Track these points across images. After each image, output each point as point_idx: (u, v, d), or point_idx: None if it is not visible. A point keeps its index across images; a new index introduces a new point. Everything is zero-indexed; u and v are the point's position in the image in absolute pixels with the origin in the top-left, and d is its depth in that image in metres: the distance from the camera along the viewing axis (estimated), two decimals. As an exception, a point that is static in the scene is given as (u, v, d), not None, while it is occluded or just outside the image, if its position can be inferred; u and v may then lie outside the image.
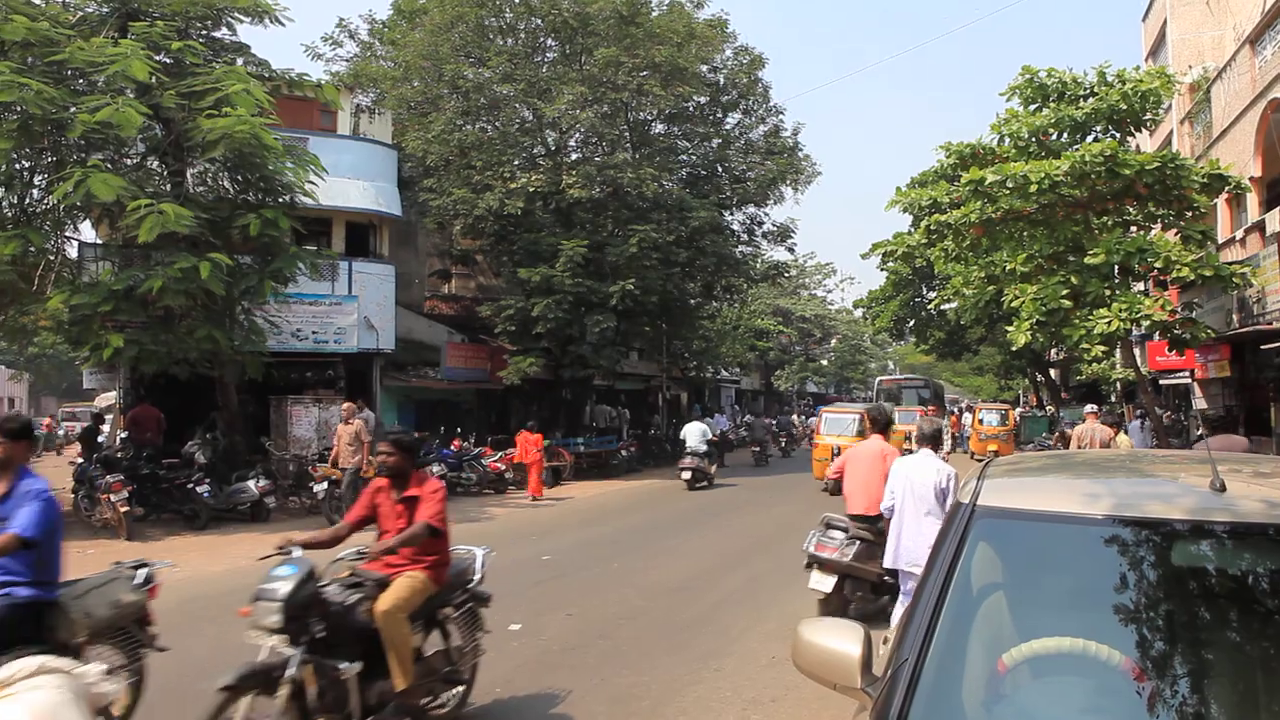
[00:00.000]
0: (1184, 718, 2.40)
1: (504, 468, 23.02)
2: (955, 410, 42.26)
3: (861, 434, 18.26)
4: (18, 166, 15.59)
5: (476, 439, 24.99)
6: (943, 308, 34.28)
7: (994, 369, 51.40)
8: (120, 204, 14.90)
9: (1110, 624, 2.61)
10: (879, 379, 44.14)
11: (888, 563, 7.43)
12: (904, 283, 40.18)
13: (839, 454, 16.24)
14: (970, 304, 22.80)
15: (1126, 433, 18.12)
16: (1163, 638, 2.61)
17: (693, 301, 31.31)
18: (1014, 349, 23.88)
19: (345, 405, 18.48)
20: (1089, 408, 17.08)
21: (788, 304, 59.78)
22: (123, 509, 14.96)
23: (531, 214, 26.19)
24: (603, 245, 26.45)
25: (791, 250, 34.76)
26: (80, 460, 18.22)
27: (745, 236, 32.41)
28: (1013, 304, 18.16)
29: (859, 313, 51.39)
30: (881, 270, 39.56)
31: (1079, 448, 13.90)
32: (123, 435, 19.98)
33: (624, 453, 28.27)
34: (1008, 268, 19.51)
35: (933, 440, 8.37)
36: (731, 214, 31.56)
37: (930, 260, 24.76)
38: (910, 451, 8.68)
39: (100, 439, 20.33)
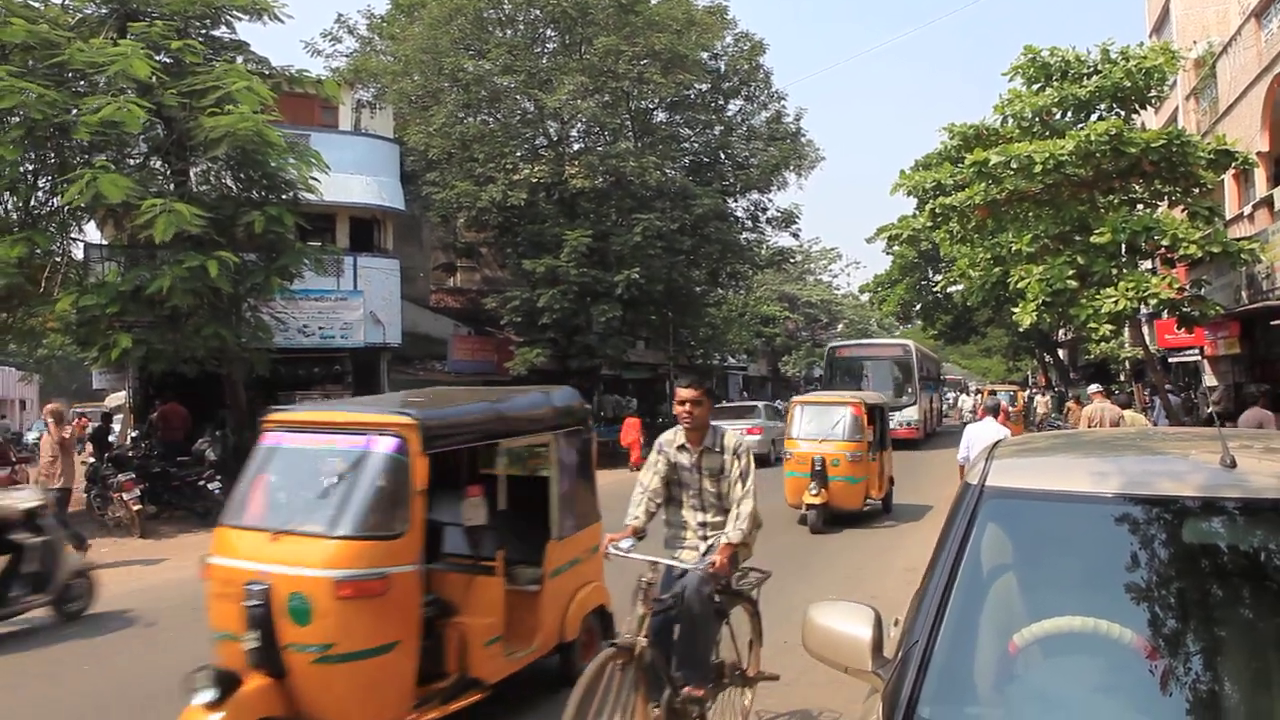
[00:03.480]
0: (1197, 696, 2.39)
1: None
2: (957, 392, 41.58)
3: (858, 440, 15.13)
4: (22, 170, 15.64)
5: None
6: (949, 290, 33.89)
7: (1002, 350, 51.30)
8: (127, 204, 14.94)
9: (1122, 603, 2.60)
10: (831, 346, 33.42)
11: None
12: (910, 266, 40.30)
13: (822, 469, 14.39)
14: (976, 286, 22.59)
15: (1144, 412, 17.96)
16: (1174, 615, 2.59)
17: (698, 289, 31.30)
18: (1021, 330, 24.07)
19: (49, 407, 14.59)
20: (1093, 387, 16.71)
21: (793, 290, 59.54)
22: (135, 507, 15.05)
23: (535, 205, 26.18)
24: (607, 235, 26.41)
25: (796, 236, 34.85)
26: (92, 460, 18.28)
27: (749, 223, 32.46)
28: (1019, 285, 18.03)
29: (865, 297, 50.92)
30: (887, 254, 39.82)
31: (1088, 427, 13.79)
32: (134, 434, 20.08)
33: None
34: (1013, 249, 19.35)
35: (994, 411, 12.12)
36: (735, 201, 31.62)
37: (936, 243, 24.64)
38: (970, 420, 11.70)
39: (111, 438, 20.16)
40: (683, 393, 5.71)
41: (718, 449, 5.75)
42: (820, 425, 15.05)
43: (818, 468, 14.36)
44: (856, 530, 14.62)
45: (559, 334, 27.00)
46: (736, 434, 5.90)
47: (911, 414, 27.60)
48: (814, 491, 14.24)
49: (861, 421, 15.04)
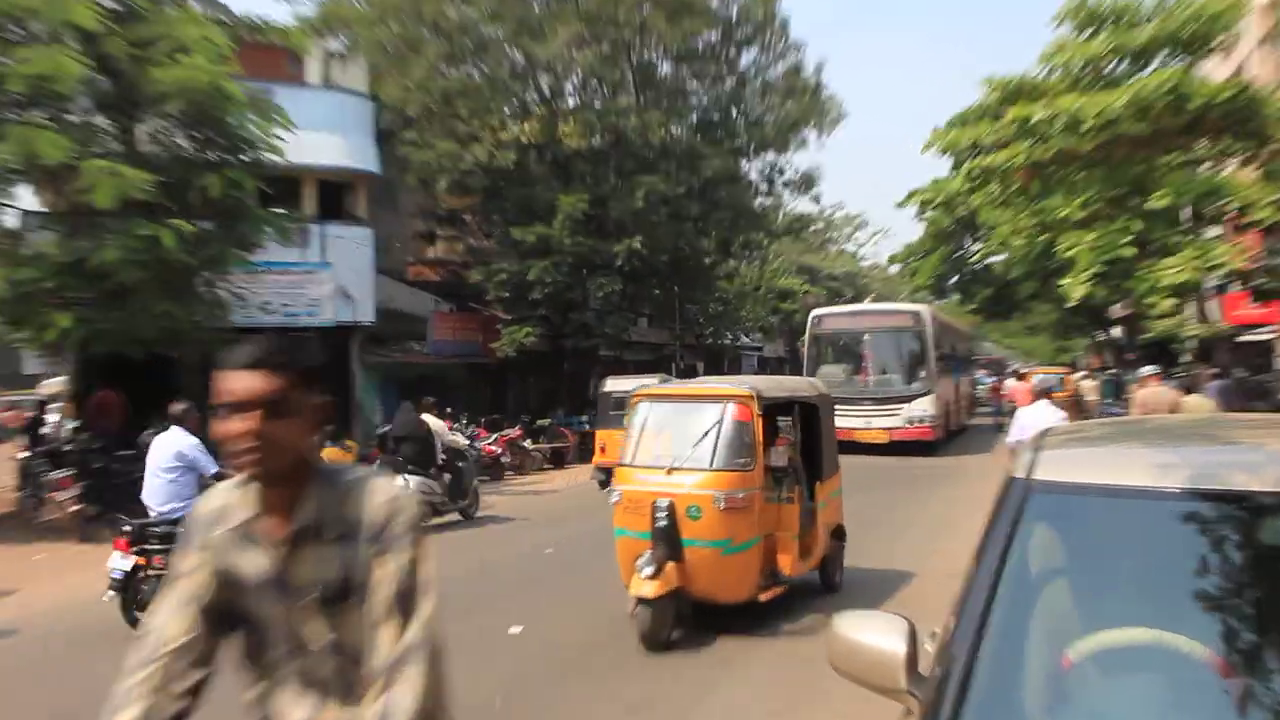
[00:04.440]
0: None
1: (499, 450, 22.86)
2: (997, 377, 40.58)
3: (741, 468, 9.12)
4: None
5: (469, 419, 24.58)
6: (988, 261, 33.47)
7: (1048, 328, 50.85)
8: (67, 166, 14.74)
9: (1191, 612, 2.51)
10: (816, 314, 28.12)
11: None
12: (945, 234, 39.75)
13: (669, 524, 8.80)
14: (1019, 256, 22.92)
15: (1205, 394, 17.92)
16: (1252, 627, 2.49)
17: (707, 260, 31.28)
18: (1070, 305, 23.77)
19: None
20: (1146, 369, 16.48)
21: (814, 261, 59.17)
22: (72, 508, 14.64)
23: (525, 167, 26.26)
24: (605, 200, 26.38)
25: (816, 201, 35.11)
26: (25, 454, 17.89)
27: (764, 187, 32.42)
28: (1068, 254, 18.20)
29: (895, 269, 50.25)
30: (919, 220, 39.02)
31: (1143, 414, 13.72)
32: (73, 425, 19.73)
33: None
34: (1061, 214, 19.51)
35: (1044, 394, 13.04)
36: (749, 162, 31.63)
37: (973, 208, 24.65)
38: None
39: (44, 430, 19.87)
40: (233, 384, 2.56)
41: (338, 531, 2.62)
42: (676, 440, 9.34)
43: (660, 522, 8.77)
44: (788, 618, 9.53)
45: (552, 310, 27.06)
46: (401, 483, 3.16)
47: (923, 407, 23.82)
48: (648, 571, 8.63)
49: (749, 432, 9.25)
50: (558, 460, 25.10)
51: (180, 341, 16.95)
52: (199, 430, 9.55)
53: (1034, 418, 11.46)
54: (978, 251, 36.96)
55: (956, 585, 2.76)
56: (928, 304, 27.91)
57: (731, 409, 9.29)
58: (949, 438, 26.55)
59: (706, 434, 9.19)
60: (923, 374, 24.45)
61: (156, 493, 9.61)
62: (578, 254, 25.48)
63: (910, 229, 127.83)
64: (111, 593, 9.22)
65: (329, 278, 22.77)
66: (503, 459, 23.01)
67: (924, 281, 42.39)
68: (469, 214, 29.59)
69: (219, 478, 8.91)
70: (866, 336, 25.24)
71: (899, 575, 11.08)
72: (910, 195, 26.57)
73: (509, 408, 28.00)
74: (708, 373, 41.09)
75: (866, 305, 32.02)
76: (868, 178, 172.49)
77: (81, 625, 9.84)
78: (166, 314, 15.95)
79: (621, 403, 16.73)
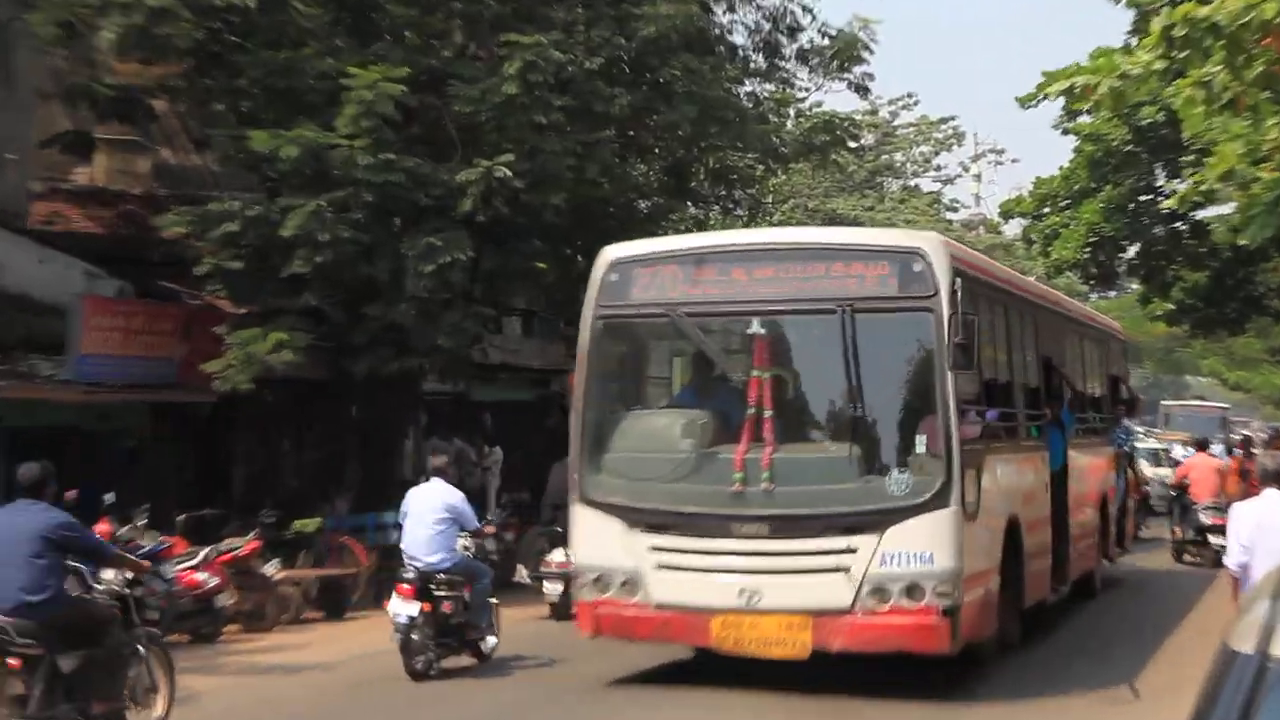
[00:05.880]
0: None
1: (211, 582, 18.23)
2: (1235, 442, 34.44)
3: None
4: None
5: (152, 519, 19.25)
6: (1199, 216, 27.34)
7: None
8: None
9: None
10: (612, 257, 14.23)
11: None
12: (1110, 162, 32.68)
13: None
14: (1267, 201, 17.78)
15: None
16: None
17: (643, 206, 26.14)
18: None
19: None
20: None
21: (854, 209, 47.91)
22: None
23: (281, 5, 20.78)
24: (441, 80, 21.50)
25: (864, 91, 28.13)
26: None
27: (761, 60, 26.86)
28: None
29: (1011, 229, 46.47)
30: (1064, 132, 33.32)
31: None
32: None
33: (489, 542, 21.19)
34: None
35: (1278, 479, 11.13)
36: (731, 12, 26.52)
37: (1173, 109, 21.67)
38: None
39: None
40: None
41: None
42: None
43: None
44: None
45: (330, 300, 21.90)
46: None
47: (922, 546, 12.97)
48: None
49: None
50: (332, 600, 20.30)
51: None
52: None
53: (1259, 519, 10.18)
54: (1176, 195, 26.92)
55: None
56: (942, 237, 15.87)
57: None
58: (1047, 613, 17.89)
59: None
60: (927, 439, 13.43)
61: (426, 544, 13.72)
62: (385, 188, 20.09)
63: (1045, 150, 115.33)
64: (399, 636, 13.31)
65: None
66: (217, 598, 18.65)
67: (1069, 253, 34.57)
68: (162, 98, 23.67)
69: (477, 534, 14.77)
70: (759, 330, 13.96)
71: None
72: (1046, 81, 18.84)
73: (235, 493, 23.05)
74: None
75: (752, 236, 19.46)
76: (966, 63, 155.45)
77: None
78: None
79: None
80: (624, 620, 12.73)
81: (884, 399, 13.20)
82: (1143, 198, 34.42)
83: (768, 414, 12.91)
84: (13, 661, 9.64)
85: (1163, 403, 69.99)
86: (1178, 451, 33.55)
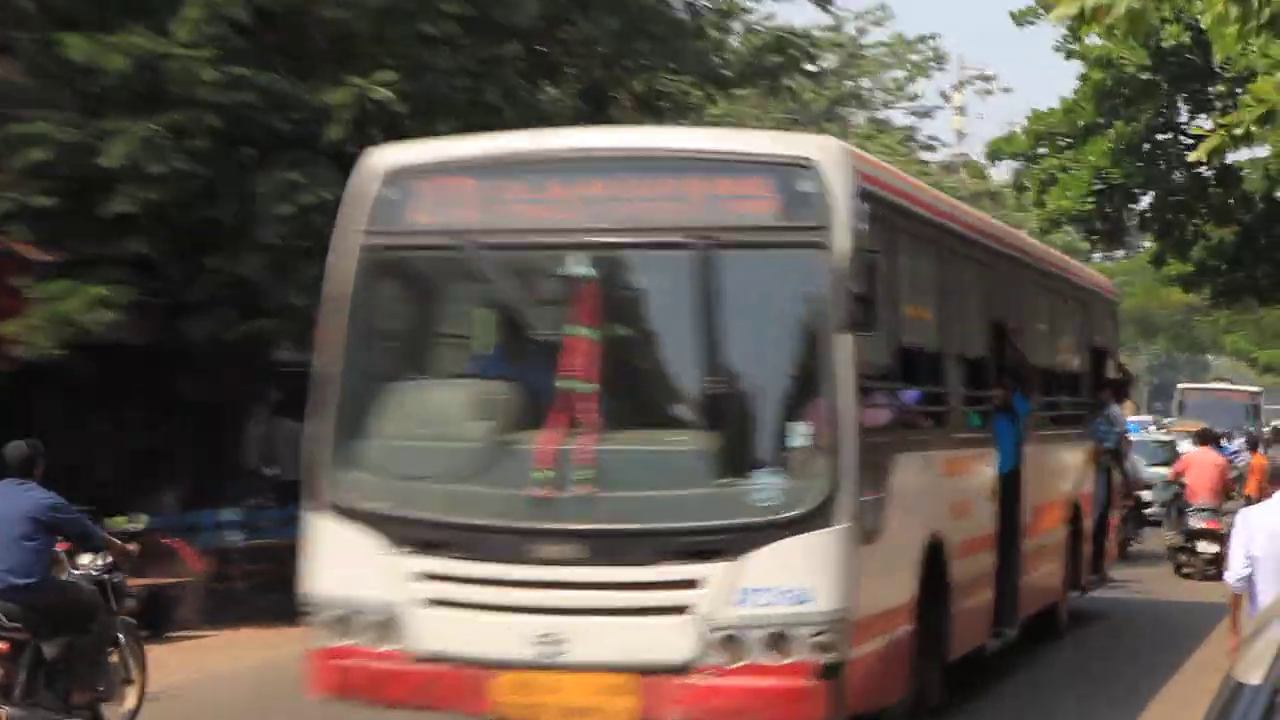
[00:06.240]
0: None
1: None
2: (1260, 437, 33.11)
3: None
4: None
5: None
6: (1229, 161, 25.51)
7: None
8: None
9: None
10: (385, 163, 16.73)
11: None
12: (1124, 92, 30.70)
13: None
14: None
15: None
16: None
17: None
18: None
19: None
20: None
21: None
22: None
23: None
24: None
25: (825, 0, 28.02)
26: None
27: None
28: None
29: (1000, 173, 45.29)
30: (1067, 55, 31.29)
31: None
32: None
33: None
34: None
35: None
36: None
37: (1201, 28, 21.88)
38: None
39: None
40: None
41: None
42: None
43: None
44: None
45: (162, 250, 19.92)
46: None
47: (799, 581, 10.63)
48: None
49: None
50: (154, 616, 17.74)
51: None
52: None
53: (1268, 526, 9.22)
54: (1202, 145, 23.95)
55: None
56: (844, 144, 12.67)
57: None
58: (992, 662, 15.45)
59: None
60: (810, 428, 10.28)
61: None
62: (234, 111, 18.86)
63: (1042, 78, 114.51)
64: None
65: None
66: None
67: (1069, 203, 32.11)
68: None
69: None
70: (580, 271, 10.95)
71: None
72: (1045, -6, 20.19)
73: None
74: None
75: (579, 137, 13.73)
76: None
77: None
78: None
79: None
80: (372, 677, 9.64)
81: (752, 371, 10.10)
82: (1161, 136, 32.24)
83: (589, 389, 9.90)
84: (0, 645, 10.02)
85: (1179, 386, 65.49)
86: (1185, 447, 30.84)
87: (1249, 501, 19.99)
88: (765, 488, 9.32)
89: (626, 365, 10.56)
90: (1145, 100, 31.19)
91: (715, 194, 10.08)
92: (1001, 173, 44.23)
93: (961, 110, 57.18)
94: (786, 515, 9.16)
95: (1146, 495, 29.04)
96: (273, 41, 19.65)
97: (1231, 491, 28.06)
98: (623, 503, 9.59)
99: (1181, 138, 31.81)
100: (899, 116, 51.34)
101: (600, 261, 10.11)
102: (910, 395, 11.64)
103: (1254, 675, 2.74)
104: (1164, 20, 22.92)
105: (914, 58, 49.31)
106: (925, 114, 52.35)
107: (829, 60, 43.64)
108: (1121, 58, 29.94)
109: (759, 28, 29.65)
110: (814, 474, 9.23)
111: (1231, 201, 31.92)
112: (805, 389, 9.79)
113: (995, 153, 37.04)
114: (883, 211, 10.81)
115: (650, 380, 11.08)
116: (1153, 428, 46.58)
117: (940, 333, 12.94)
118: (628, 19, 22.02)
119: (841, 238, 9.41)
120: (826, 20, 37.20)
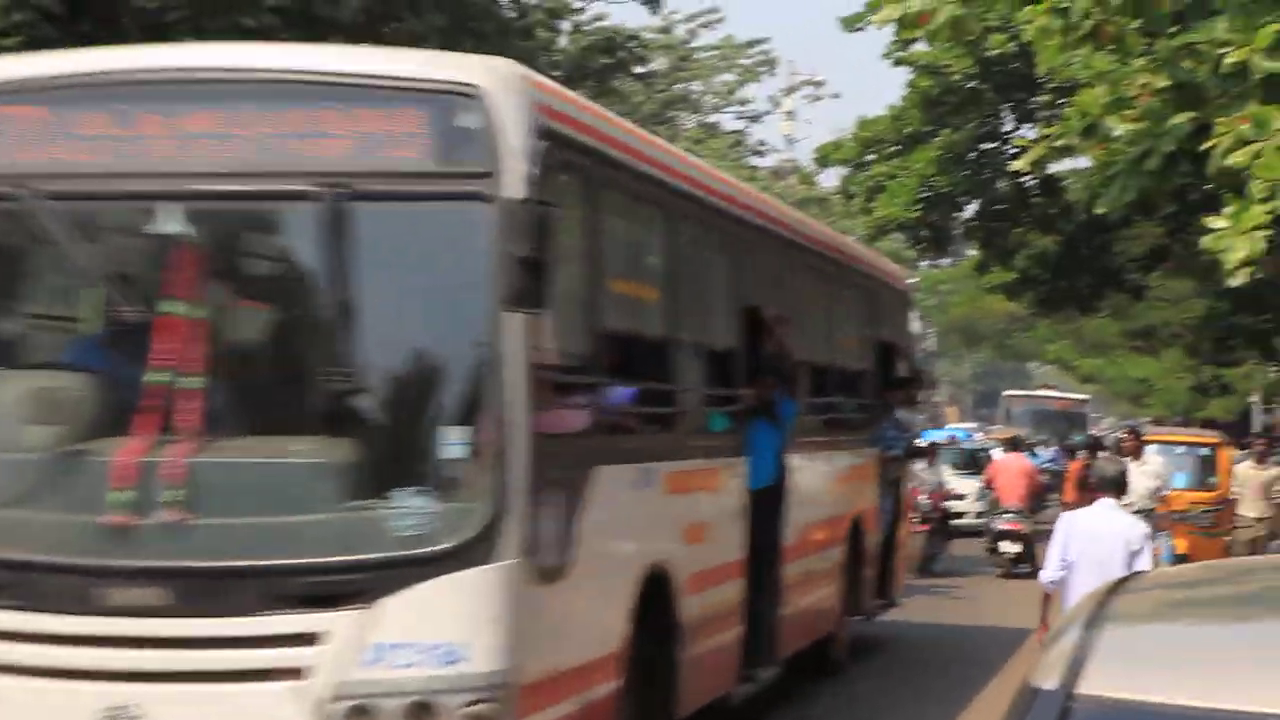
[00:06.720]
0: None
1: None
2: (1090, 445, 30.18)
3: None
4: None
5: None
6: (1051, 172, 24.64)
7: (1183, 335, 41.83)
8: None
9: None
10: None
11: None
12: (950, 100, 30.10)
13: None
14: (1129, 158, 15.74)
15: None
16: None
17: None
18: (1231, 284, 16.83)
19: None
20: None
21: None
22: None
23: None
24: None
25: (654, 2, 26.89)
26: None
27: None
28: (1231, 160, 12.91)
29: (829, 179, 44.37)
30: (896, 62, 30.41)
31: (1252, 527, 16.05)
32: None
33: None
34: (1224, 59, 13.35)
35: (1116, 487, 10.72)
36: None
37: (1026, 42, 18.82)
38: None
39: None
40: None
41: None
42: None
43: None
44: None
45: None
46: None
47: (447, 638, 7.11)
48: None
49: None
50: None
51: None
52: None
53: (1094, 532, 9.89)
54: (1025, 149, 20.41)
55: None
56: (521, 70, 8.35)
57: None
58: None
59: None
60: (468, 434, 7.62)
61: None
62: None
63: (872, 90, 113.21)
64: None
65: None
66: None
67: (896, 211, 31.66)
68: None
69: None
70: (175, 228, 7.82)
71: None
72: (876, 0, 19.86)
73: None
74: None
75: (181, 55, 10.14)
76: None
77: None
78: None
79: None
80: None
81: (397, 360, 7.99)
82: (986, 145, 31.57)
83: (189, 384, 7.38)
84: None
85: (1004, 394, 64.71)
86: (997, 455, 29.85)
87: (1066, 508, 19.37)
88: (407, 512, 7.13)
89: (235, 353, 8.22)
90: (971, 109, 30.62)
91: (355, 130, 7.55)
92: (830, 179, 43.49)
93: (791, 115, 56.31)
94: (434, 548, 7.09)
95: (958, 505, 28.94)
96: (85, 30, 17.55)
97: (1045, 498, 29.16)
98: (222, 532, 7.34)
99: (1006, 147, 31.02)
100: (729, 121, 49.55)
101: (201, 216, 7.78)
102: (621, 393, 9.24)
103: (1049, 680, 2.59)
104: (990, 29, 22.52)
105: (744, 62, 47.71)
106: (755, 119, 50.16)
107: (659, 63, 41.88)
108: (948, 66, 29.10)
109: (587, 27, 28.65)
110: (472, 494, 7.21)
111: (1054, 211, 31.18)
112: (464, 384, 7.70)
113: (824, 159, 35.89)
114: (575, 158, 8.44)
115: (265, 372, 8.57)
116: (979, 435, 45.91)
117: (667, 317, 10.38)
118: (454, 16, 20.94)
119: (512, 187, 7.22)
120: (657, 22, 36.25)
